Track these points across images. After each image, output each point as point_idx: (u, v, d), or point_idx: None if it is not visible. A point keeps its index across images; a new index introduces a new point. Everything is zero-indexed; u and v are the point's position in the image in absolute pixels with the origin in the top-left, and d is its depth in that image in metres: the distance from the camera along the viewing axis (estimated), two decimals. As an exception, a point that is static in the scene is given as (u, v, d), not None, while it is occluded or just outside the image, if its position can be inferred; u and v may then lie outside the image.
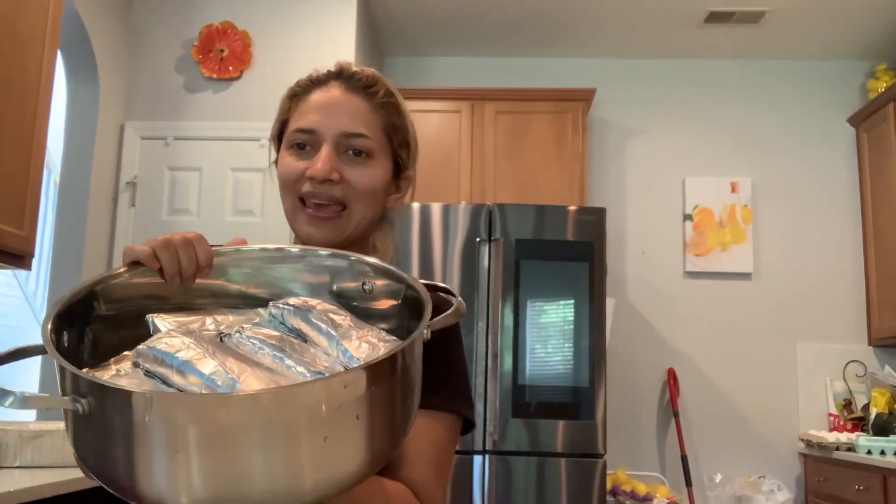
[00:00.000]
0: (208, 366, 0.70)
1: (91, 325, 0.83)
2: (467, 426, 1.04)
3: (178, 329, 0.79)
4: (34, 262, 2.65)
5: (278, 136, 1.14)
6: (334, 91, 1.09)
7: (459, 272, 3.44)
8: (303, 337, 0.84)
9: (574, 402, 3.35)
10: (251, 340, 0.80)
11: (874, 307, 4.22)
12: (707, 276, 4.43)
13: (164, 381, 0.71)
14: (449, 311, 0.82)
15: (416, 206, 3.48)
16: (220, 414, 0.61)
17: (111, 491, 0.67)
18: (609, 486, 3.68)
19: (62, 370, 0.66)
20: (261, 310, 0.90)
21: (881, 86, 4.30)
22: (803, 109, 4.55)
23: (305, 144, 1.07)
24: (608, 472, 3.44)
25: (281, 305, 0.87)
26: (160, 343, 0.74)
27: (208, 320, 0.86)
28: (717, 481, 4.11)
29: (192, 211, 3.75)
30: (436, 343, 0.81)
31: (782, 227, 4.45)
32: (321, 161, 1.04)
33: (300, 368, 0.75)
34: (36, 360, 3.69)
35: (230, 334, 0.81)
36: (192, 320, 0.85)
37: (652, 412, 4.35)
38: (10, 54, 2.41)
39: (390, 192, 1.13)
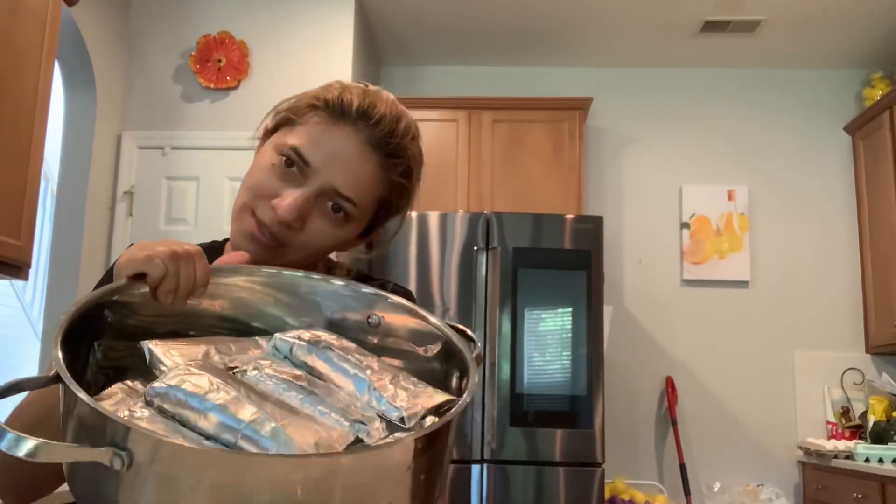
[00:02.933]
0: (247, 411, 0.61)
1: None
2: None
3: (196, 364, 0.69)
4: (31, 272, 2.64)
5: (275, 124, 1.03)
6: (354, 139, 0.96)
7: (457, 281, 3.44)
8: (317, 374, 0.76)
9: (572, 410, 3.35)
10: (272, 380, 0.72)
11: (871, 315, 4.23)
12: (704, 284, 4.43)
13: (185, 424, 0.63)
14: (472, 362, 0.75)
15: (413, 215, 3.48)
16: (296, 478, 0.54)
17: None
18: (607, 494, 3.67)
19: (95, 414, 0.57)
20: (260, 340, 0.82)
21: (877, 94, 4.32)
22: (799, 118, 4.56)
23: (294, 164, 0.96)
24: (606, 480, 3.44)
25: (290, 339, 0.78)
26: (184, 382, 0.65)
27: (212, 351, 0.77)
28: (716, 489, 4.10)
29: (190, 220, 3.74)
30: None
31: (779, 235, 4.46)
32: (291, 202, 0.93)
33: (335, 416, 0.68)
34: (34, 362, 3.68)
35: (245, 370, 0.73)
36: (195, 350, 0.76)
37: (650, 420, 4.34)
38: (7, 64, 2.41)
39: (347, 245, 1.04)
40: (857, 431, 4.04)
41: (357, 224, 1.00)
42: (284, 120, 1.01)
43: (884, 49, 4.36)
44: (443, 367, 0.81)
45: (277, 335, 0.80)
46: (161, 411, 0.64)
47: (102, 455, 0.54)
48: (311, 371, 0.76)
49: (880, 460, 3.47)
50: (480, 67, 4.69)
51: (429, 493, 0.64)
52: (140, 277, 0.76)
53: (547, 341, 3.41)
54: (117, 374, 0.76)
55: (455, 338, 0.78)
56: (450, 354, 0.79)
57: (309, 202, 0.94)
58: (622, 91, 4.64)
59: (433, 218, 3.49)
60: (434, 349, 0.82)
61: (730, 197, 4.48)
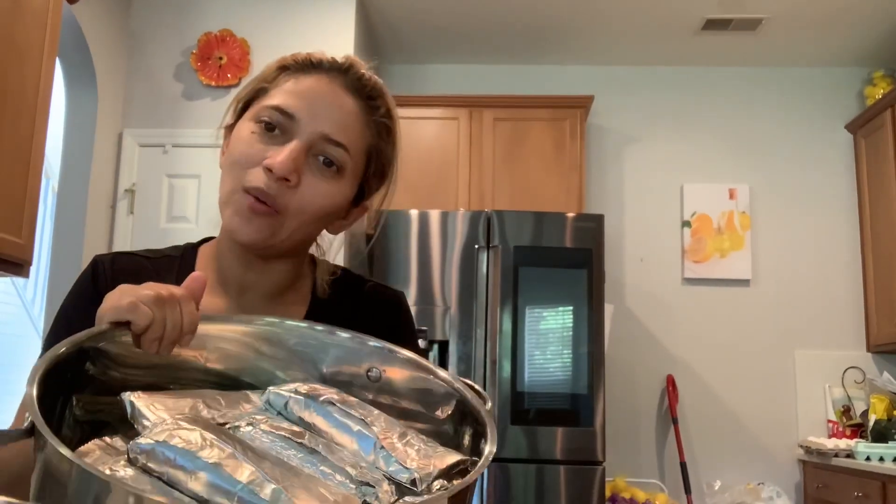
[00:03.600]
0: (244, 472, 0.55)
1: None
2: None
3: (184, 419, 0.63)
4: (32, 269, 2.64)
5: (246, 102, 0.98)
6: (332, 84, 0.95)
7: (458, 279, 3.44)
8: (316, 430, 0.70)
9: (573, 409, 3.35)
10: (269, 436, 0.66)
11: (872, 313, 4.23)
12: (705, 282, 4.43)
13: (174, 486, 0.57)
14: (491, 422, 0.70)
15: (414, 213, 3.48)
16: None
17: None
18: (608, 493, 3.67)
19: (78, 472, 0.51)
20: (251, 394, 0.75)
21: (878, 92, 4.31)
22: (801, 116, 4.56)
23: (276, 127, 0.92)
24: (607, 479, 3.44)
25: (285, 393, 0.72)
26: (173, 438, 0.59)
27: (199, 405, 0.70)
28: (717, 488, 4.10)
29: (191, 218, 3.75)
30: None
31: (780, 234, 4.46)
32: (286, 153, 0.89)
33: (339, 477, 0.63)
34: (35, 360, 3.70)
35: (238, 426, 0.67)
36: (181, 404, 0.69)
37: (651, 419, 4.34)
38: (8, 62, 2.41)
39: (339, 216, 1.00)
40: (858, 430, 4.04)
41: (350, 180, 0.97)
42: (254, 93, 0.98)
43: (885, 47, 4.35)
44: (453, 426, 0.76)
45: (271, 388, 0.74)
46: (146, 471, 0.58)
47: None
48: (310, 428, 0.70)
49: (881, 459, 3.47)
50: (482, 65, 4.69)
51: None
52: (123, 324, 0.70)
53: (548, 339, 3.41)
54: (93, 430, 0.69)
55: (469, 394, 0.73)
56: (463, 414, 0.74)
57: (302, 154, 0.91)
58: (624, 89, 4.63)
59: (434, 216, 3.49)
60: (448, 409, 0.76)
61: (731, 195, 4.48)
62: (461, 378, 0.77)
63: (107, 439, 0.66)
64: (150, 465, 0.58)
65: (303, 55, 0.98)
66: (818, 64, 4.56)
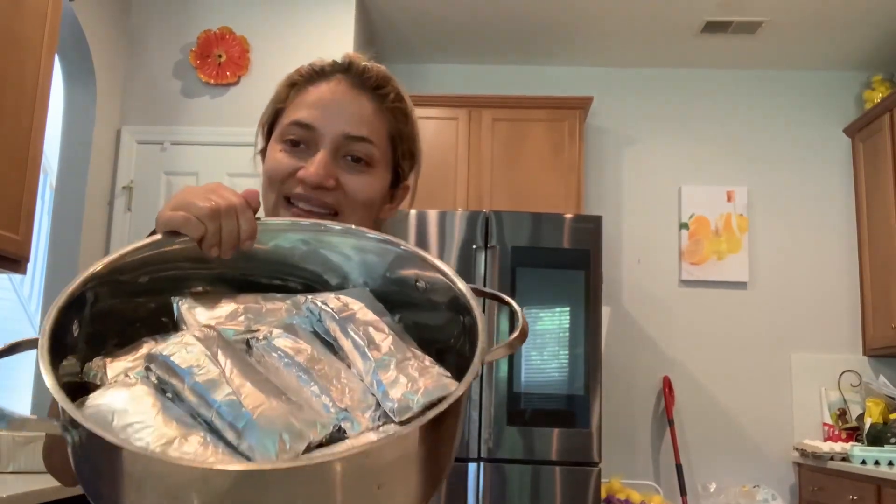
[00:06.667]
0: (222, 391, 0.64)
1: (112, 300, 0.76)
2: None
3: (200, 332, 0.70)
4: (29, 266, 2.64)
5: (269, 125, 1.04)
6: (340, 86, 0.99)
7: (455, 279, 3.44)
8: (338, 345, 0.75)
9: (569, 409, 3.35)
10: (278, 352, 0.72)
11: (869, 317, 4.23)
12: (702, 284, 4.43)
13: (178, 396, 0.66)
14: (513, 337, 0.72)
15: (412, 212, 3.48)
16: (247, 495, 0.54)
17: None
18: (603, 494, 3.68)
19: (57, 396, 0.61)
20: (300, 297, 0.81)
21: (877, 96, 4.32)
22: (799, 119, 4.57)
23: (300, 142, 0.97)
24: (603, 480, 3.44)
25: (319, 303, 0.78)
26: (175, 355, 0.67)
27: (239, 310, 0.78)
28: (712, 490, 4.11)
29: (189, 216, 3.74)
30: None
31: (778, 237, 4.46)
32: (316, 165, 0.94)
33: (325, 399, 0.68)
34: (31, 355, 3.69)
35: (257, 339, 0.74)
36: (222, 310, 0.77)
37: (647, 420, 4.34)
38: (7, 58, 2.40)
39: (385, 201, 1.04)
40: (854, 433, 4.04)
41: (383, 168, 1.01)
42: (274, 115, 1.03)
43: (884, 52, 4.36)
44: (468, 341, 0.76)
45: (310, 297, 0.80)
46: (159, 379, 0.67)
47: (57, 429, 0.60)
48: (335, 339, 0.75)
49: (876, 462, 3.47)
50: (481, 66, 4.69)
51: (424, 483, 0.63)
52: (174, 234, 0.77)
53: (545, 340, 3.41)
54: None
55: (479, 315, 0.73)
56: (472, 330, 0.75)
57: (328, 158, 0.95)
58: (623, 91, 4.63)
59: (432, 216, 3.49)
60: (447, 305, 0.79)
61: (729, 198, 4.48)
62: (490, 290, 0.83)
63: (157, 338, 0.75)
64: (158, 372, 0.67)
65: (306, 68, 1.02)
66: (817, 67, 4.57)
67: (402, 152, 1.04)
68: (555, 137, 4.08)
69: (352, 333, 0.74)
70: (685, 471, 4.14)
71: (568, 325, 3.41)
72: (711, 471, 4.24)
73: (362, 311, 0.77)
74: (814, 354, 4.34)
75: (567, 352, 3.39)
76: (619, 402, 4.29)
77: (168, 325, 0.79)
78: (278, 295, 0.82)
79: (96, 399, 0.66)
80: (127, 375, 0.70)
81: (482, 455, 3.30)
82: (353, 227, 0.83)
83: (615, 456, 4.15)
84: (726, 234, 4.44)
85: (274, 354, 0.72)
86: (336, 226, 0.84)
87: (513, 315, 0.76)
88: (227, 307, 0.78)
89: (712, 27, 4.15)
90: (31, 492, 1.84)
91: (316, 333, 0.77)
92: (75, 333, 0.71)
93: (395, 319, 0.80)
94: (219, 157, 3.75)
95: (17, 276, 4.54)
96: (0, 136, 2.38)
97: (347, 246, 0.83)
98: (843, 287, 4.39)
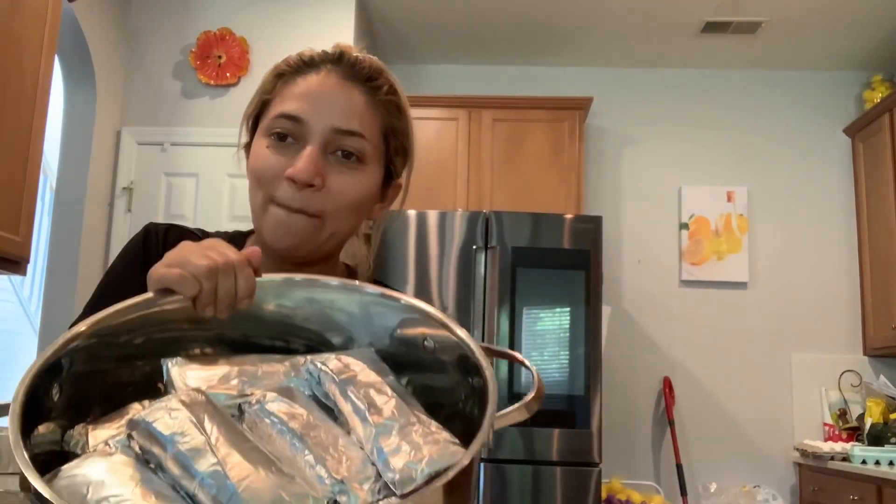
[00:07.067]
0: (206, 461, 0.59)
1: (99, 363, 0.71)
2: None
3: (187, 396, 0.66)
4: (29, 267, 2.64)
5: (255, 117, 1.00)
6: (330, 77, 0.94)
7: (455, 280, 3.44)
8: (338, 410, 0.70)
9: (569, 410, 3.35)
10: (271, 417, 0.67)
11: (869, 317, 4.23)
12: (703, 284, 4.43)
13: (160, 467, 0.61)
14: (529, 399, 0.66)
15: (412, 213, 3.48)
16: None
17: None
18: (604, 494, 3.68)
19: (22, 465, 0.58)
20: (300, 358, 0.76)
21: (877, 96, 4.32)
22: (799, 119, 4.56)
23: (287, 135, 0.93)
24: (603, 480, 3.44)
25: (319, 364, 0.73)
26: (157, 421, 0.63)
27: (233, 373, 0.73)
28: (713, 490, 4.11)
29: (189, 217, 3.74)
30: None
31: (778, 237, 4.46)
32: (304, 160, 0.90)
33: (320, 470, 0.63)
34: (32, 357, 3.70)
35: (250, 403, 0.69)
36: (215, 372, 0.73)
37: (647, 421, 4.34)
38: (7, 59, 2.41)
39: (376, 201, 1.00)
40: (854, 433, 4.04)
41: (374, 164, 0.96)
42: (259, 107, 1.00)
43: (884, 52, 4.36)
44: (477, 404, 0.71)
45: (310, 358, 0.75)
46: (141, 448, 0.63)
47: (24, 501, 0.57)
48: (335, 404, 0.70)
49: (877, 462, 3.47)
50: (481, 66, 4.69)
51: None
52: (167, 291, 0.72)
53: (545, 341, 3.41)
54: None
55: (490, 379, 0.67)
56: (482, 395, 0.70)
57: (317, 154, 0.91)
58: (623, 91, 4.63)
59: (432, 216, 3.49)
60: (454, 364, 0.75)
61: (729, 198, 4.48)
62: (499, 348, 0.77)
63: (145, 403, 0.72)
64: (139, 440, 0.63)
65: (294, 57, 0.97)
66: (817, 68, 4.57)
67: (394, 148, 0.99)
68: (555, 138, 4.08)
69: (352, 396, 0.69)
70: (685, 471, 4.14)
71: (568, 326, 3.41)
72: (712, 471, 4.24)
73: (364, 373, 0.72)
74: (814, 354, 4.34)
75: (567, 352, 3.39)
76: (620, 403, 4.29)
77: (161, 389, 0.75)
78: (277, 356, 0.77)
79: (72, 469, 0.61)
80: (107, 444, 0.65)
81: (482, 455, 3.30)
82: (350, 281, 0.80)
83: (615, 456, 4.15)
84: (726, 234, 4.44)
85: (267, 420, 0.67)
86: (333, 281, 0.79)
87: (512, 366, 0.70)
88: (220, 369, 0.73)
89: (712, 27, 4.15)
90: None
91: (315, 397, 0.72)
92: (55, 398, 0.67)
93: (404, 383, 0.76)
94: (219, 158, 3.75)
95: (17, 278, 4.55)
96: (0, 137, 2.38)
97: (351, 303, 0.79)
98: (843, 287, 4.39)
